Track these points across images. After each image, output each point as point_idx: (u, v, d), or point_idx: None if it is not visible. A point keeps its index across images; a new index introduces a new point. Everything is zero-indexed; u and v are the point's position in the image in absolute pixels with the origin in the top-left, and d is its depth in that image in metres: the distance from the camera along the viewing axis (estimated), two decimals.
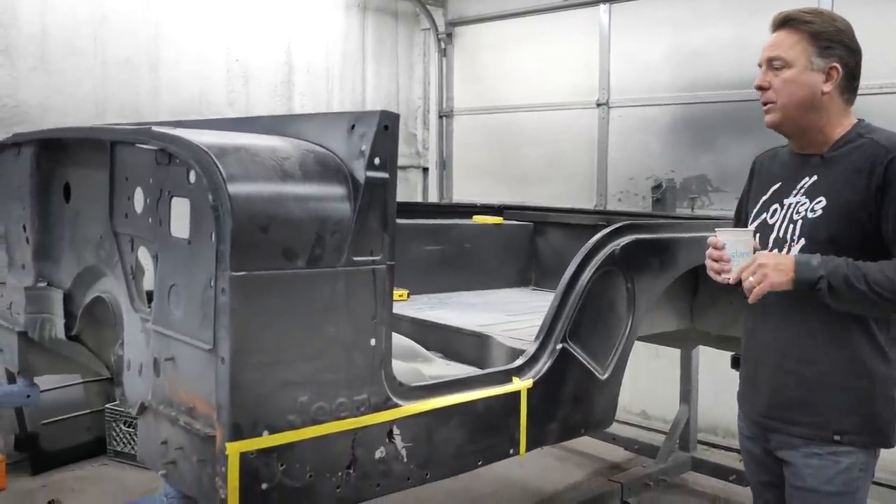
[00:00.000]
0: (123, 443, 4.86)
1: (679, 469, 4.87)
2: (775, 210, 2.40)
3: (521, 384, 2.38)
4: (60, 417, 4.80)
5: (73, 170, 2.59)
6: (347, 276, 1.90)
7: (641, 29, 5.94)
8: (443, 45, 7.21)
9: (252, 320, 1.75)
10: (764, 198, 2.47)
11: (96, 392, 5.02)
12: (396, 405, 2.05)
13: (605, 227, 4.38)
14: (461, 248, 4.25)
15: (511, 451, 2.37)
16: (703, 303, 3.64)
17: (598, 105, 6.19)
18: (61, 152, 2.65)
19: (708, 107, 5.61)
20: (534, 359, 2.45)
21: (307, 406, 1.87)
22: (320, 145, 2.02)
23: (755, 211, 2.48)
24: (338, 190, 1.91)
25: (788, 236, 2.30)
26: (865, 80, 4.79)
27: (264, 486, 1.80)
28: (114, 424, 4.89)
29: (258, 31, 6.20)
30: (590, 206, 6.12)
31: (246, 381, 1.76)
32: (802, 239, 2.25)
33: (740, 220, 2.65)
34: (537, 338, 2.49)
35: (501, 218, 4.61)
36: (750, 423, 2.49)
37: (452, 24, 7.21)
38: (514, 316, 3.59)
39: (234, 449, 1.75)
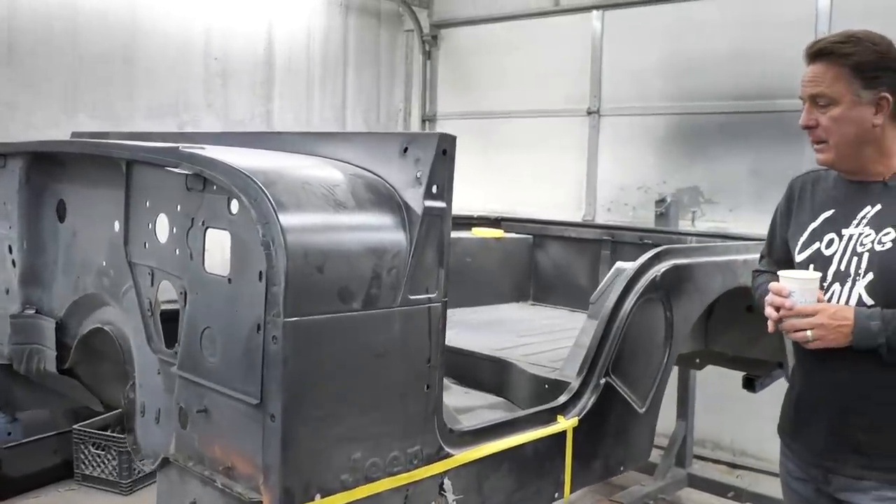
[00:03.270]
0: (92, 466, 4.56)
1: (677, 486, 4.78)
2: (831, 240, 2.25)
3: (566, 423, 2.21)
4: (24, 440, 4.48)
5: (70, 186, 2.34)
6: (403, 318, 1.71)
7: (635, 37, 5.82)
8: (427, 48, 7.02)
9: (306, 371, 1.55)
10: (814, 226, 2.31)
11: (62, 413, 4.72)
12: (448, 455, 1.86)
13: (610, 241, 4.36)
14: (462, 263, 4.07)
15: (556, 495, 2.20)
16: (718, 325, 3.52)
17: (589, 113, 6.06)
18: (56, 166, 2.39)
19: (702, 117, 5.51)
20: (577, 395, 2.29)
21: (361, 463, 1.67)
22: (365, 169, 1.82)
23: (803, 240, 2.32)
24: (393, 221, 1.71)
25: (853, 270, 2.15)
26: None
27: None
28: (82, 447, 4.57)
29: (237, 28, 5.93)
30: (578, 214, 6.00)
31: (298, 440, 1.55)
32: (871, 273, 2.11)
33: (773, 246, 2.51)
34: (580, 373, 2.32)
35: (501, 231, 4.45)
36: (804, 463, 2.35)
37: (438, 26, 7.01)
38: (525, 337, 3.44)
39: None
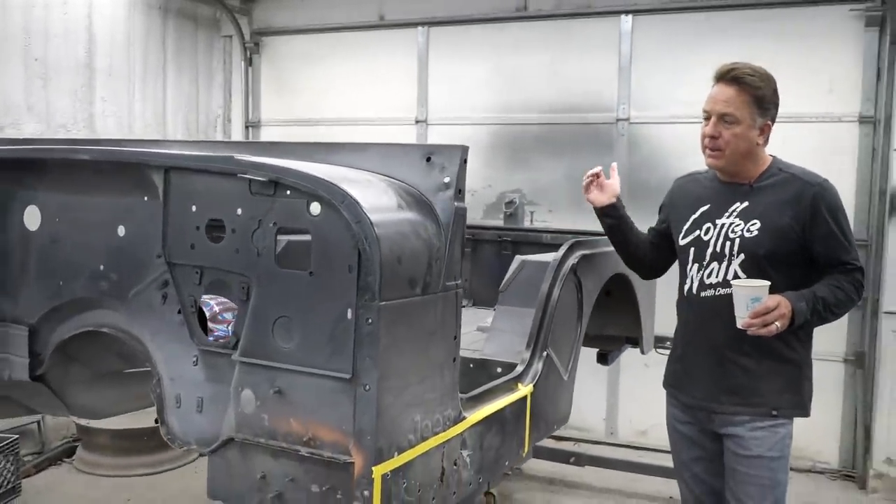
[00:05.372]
0: None
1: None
2: (708, 228, 2.84)
3: (525, 390, 2.63)
4: None
5: (48, 194, 2.34)
6: (443, 301, 2.03)
7: (460, 52, 6.36)
8: (249, 55, 7.08)
9: (390, 348, 1.83)
10: (694, 216, 2.90)
11: None
12: (464, 417, 2.20)
13: (471, 239, 4.80)
14: None
15: (520, 452, 2.61)
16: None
17: (417, 122, 6.51)
18: (25, 173, 2.38)
19: (523, 128, 6.18)
20: (529, 365, 2.71)
21: (419, 425, 1.97)
22: (391, 176, 2.10)
23: (686, 227, 2.90)
24: (432, 220, 2.03)
25: (727, 251, 2.75)
26: (660, 111, 5.72)
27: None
28: None
29: (57, 28, 5.66)
30: None
31: (385, 407, 1.83)
32: (742, 254, 2.72)
33: (658, 225, 3.05)
34: (528, 346, 2.75)
35: None
36: (687, 408, 2.91)
37: (259, 33, 7.11)
38: None
39: (378, 472, 1.81)
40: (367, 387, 1.79)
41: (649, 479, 5.10)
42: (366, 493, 1.80)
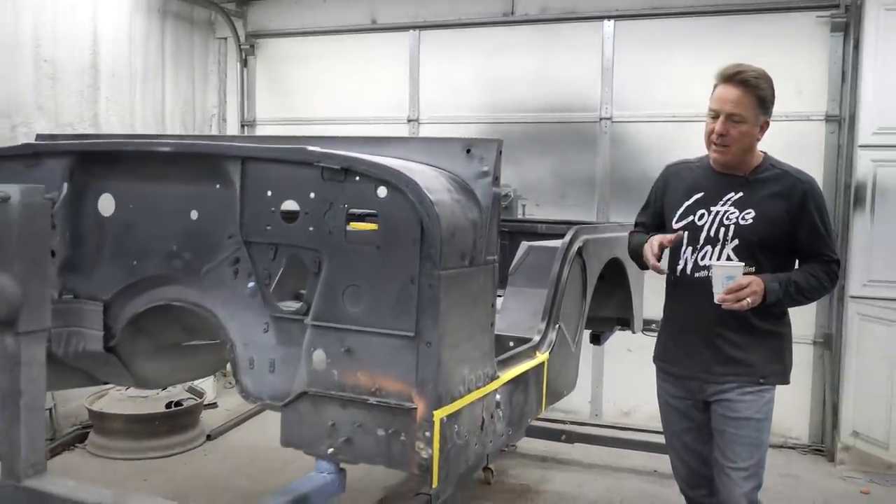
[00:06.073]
0: None
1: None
2: (703, 214, 3.15)
3: (543, 357, 2.96)
4: None
5: (122, 184, 2.62)
6: (484, 273, 2.36)
7: (450, 55, 6.69)
8: (244, 56, 7.34)
9: (447, 310, 2.15)
10: (688, 203, 3.20)
11: None
12: (498, 376, 2.53)
13: (506, 231, 5.09)
14: None
15: (538, 410, 2.94)
16: None
17: (409, 121, 6.83)
18: (98, 164, 2.66)
19: (511, 126, 6.52)
20: (545, 336, 3.04)
21: (466, 378, 2.29)
22: (434, 166, 2.42)
23: (679, 213, 3.21)
24: (474, 203, 2.35)
25: (721, 236, 3.07)
26: (640, 111, 6.09)
27: (449, 445, 2.20)
28: None
29: (65, 31, 5.88)
30: None
31: (443, 360, 2.15)
32: (736, 240, 3.05)
33: (648, 214, 3.34)
34: (543, 319, 3.08)
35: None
36: (679, 380, 3.22)
37: (254, 35, 7.36)
38: None
39: (438, 416, 2.13)
40: (429, 343, 2.11)
41: (634, 454, 5.46)
42: (427, 433, 2.12)
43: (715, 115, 2.95)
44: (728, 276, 2.82)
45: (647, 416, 6.15)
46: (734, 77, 2.91)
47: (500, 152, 2.42)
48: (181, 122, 7.20)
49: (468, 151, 2.42)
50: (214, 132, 7.55)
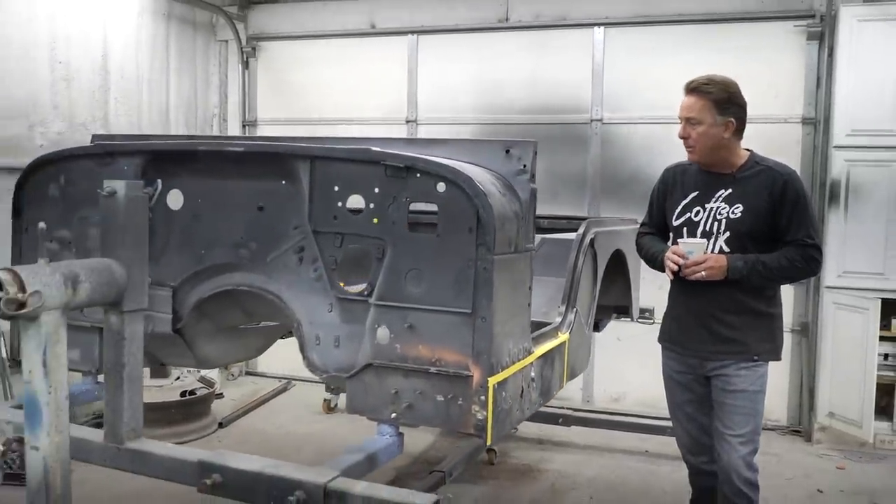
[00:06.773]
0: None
1: None
2: (698, 211, 3.50)
3: (564, 336, 3.29)
4: None
5: (189, 180, 2.89)
6: (524, 259, 2.68)
7: (447, 58, 6.98)
8: (246, 58, 7.57)
9: (499, 290, 2.46)
10: (685, 201, 3.55)
11: None
12: (532, 351, 2.85)
13: None
14: None
15: (560, 385, 3.27)
16: None
17: (407, 122, 7.12)
18: (168, 162, 2.93)
19: (505, 127, 6.82)
20: (565, 318, 3.37)
21: (512, 351, 2.61)
22: (476, 164, 2.74)
23: (678, 211, 3.56)
24: (515, 197, 2.67)
25: (714, 230, 3.41)
26: (629, 113, 6.44)
27: (499, 409, 2.51)
28: None
29: (78, 35, 6.10)
30: None
31: (496, 334, 2.46)
32: (728, 232, 3.39)
33: (652, 215, 3.70)
34: (563, 302, 3.40)
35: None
36: (682, 359, 3.56)
37: (256, 38, 7.60)
38: None
39: (491, 382, 2.44)
40: (484, 318, 2.42)
41: (626, 436, 5.81)
42: (482, 398, 2.43)
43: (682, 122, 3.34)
44: (688, 251, 3.21)
45: (636, 401, 6.52)
46: (688, 87, 3.30)
47: (536, 152, 2.73)
48: (184, 122, 7.43)
49: (507, 152, 2.73)
50: (216, 132, 7.77)
